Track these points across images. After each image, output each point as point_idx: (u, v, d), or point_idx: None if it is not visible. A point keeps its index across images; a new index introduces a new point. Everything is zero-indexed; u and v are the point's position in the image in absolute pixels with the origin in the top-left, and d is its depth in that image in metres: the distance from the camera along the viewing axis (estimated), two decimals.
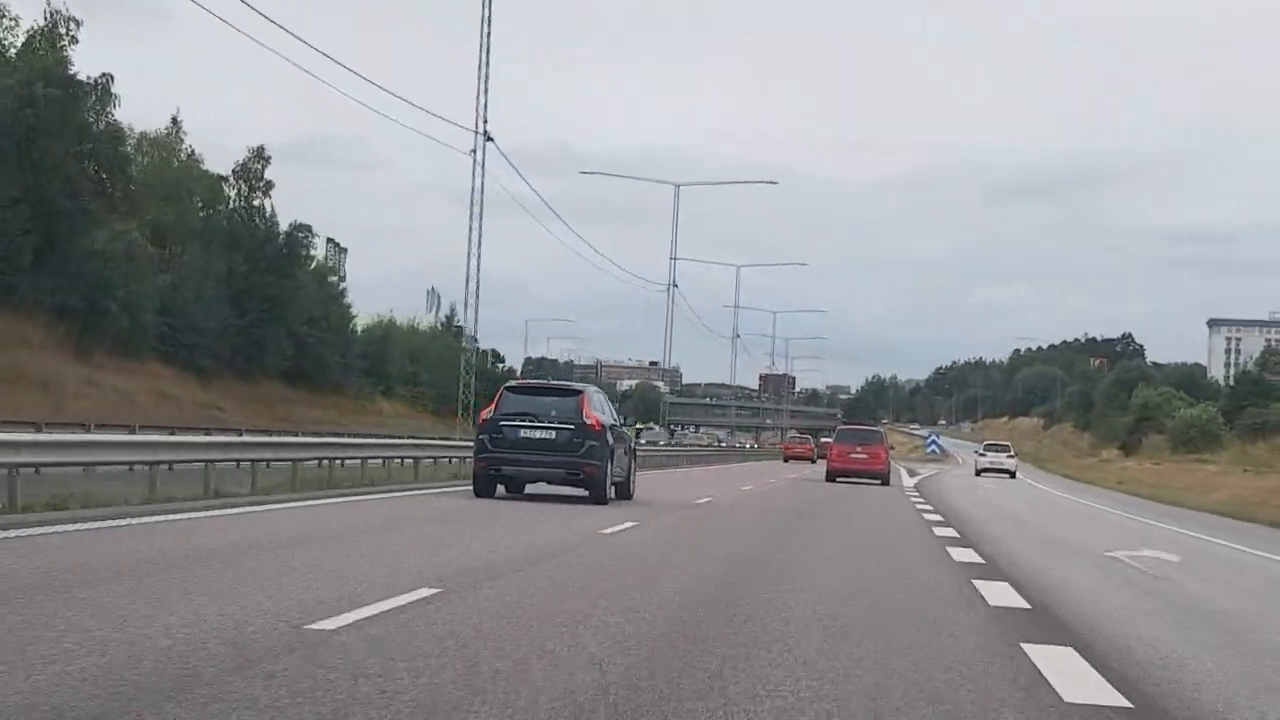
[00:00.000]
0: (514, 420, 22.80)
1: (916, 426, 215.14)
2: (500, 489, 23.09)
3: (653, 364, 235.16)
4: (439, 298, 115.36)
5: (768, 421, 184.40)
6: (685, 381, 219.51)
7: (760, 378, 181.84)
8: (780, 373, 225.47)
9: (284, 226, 73.10)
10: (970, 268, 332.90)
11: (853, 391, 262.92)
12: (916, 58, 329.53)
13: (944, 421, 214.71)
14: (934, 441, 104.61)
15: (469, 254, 54.97)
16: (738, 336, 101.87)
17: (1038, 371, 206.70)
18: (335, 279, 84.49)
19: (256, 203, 71.94)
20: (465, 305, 57.48)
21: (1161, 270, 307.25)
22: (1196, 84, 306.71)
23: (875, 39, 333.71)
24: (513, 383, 25.51)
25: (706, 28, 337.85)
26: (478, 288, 55.91)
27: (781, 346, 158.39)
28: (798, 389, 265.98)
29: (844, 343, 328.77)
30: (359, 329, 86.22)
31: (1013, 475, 65.62)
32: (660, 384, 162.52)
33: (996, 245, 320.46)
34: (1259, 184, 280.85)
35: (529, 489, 23.95)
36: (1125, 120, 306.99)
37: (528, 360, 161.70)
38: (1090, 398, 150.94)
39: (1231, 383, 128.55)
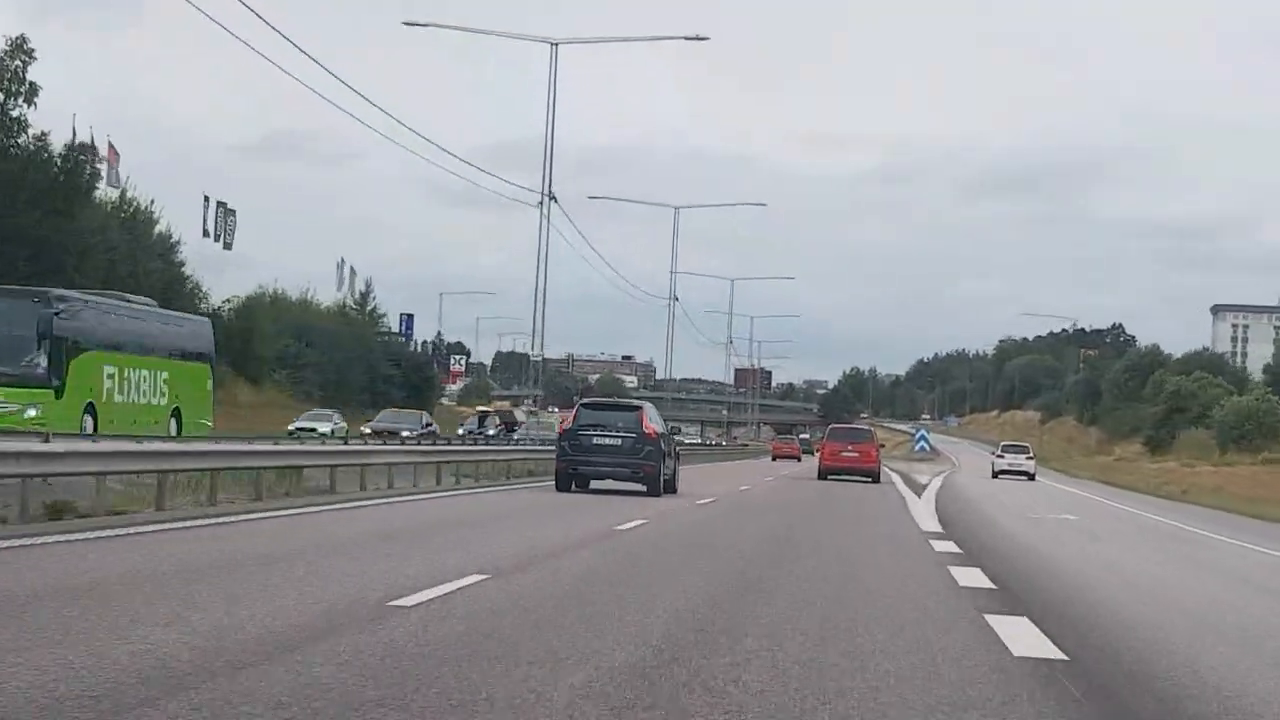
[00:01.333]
0: (588, 430, 29.57)
1: (896, 422, 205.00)
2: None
3: (625, 359, 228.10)
4: (352, 271, 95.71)
5: (736, 417, 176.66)
6: (659, 377, 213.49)
7: (735, 373, 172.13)
8: (756, 367, 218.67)
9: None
10: (948, 262, 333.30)
11: (830, 386, 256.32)
12: (895, 52, 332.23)
13: (928, 416, 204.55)
14: (923, 438, 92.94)
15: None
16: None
17: (1031, 361, 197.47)
18: (161, 231, 65.69)
19: (16, 112, 52.70)
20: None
21: (1144, 263, 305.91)
22: (1176, 78, 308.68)
23: (850, 33, 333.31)
24: (587, 400, 35.28)
25: (682, 22, 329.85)
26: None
27: (755, 345, 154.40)
28: (774, 384, 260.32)
29: (821, 337, 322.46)
30: (216, 300, 70.54)
31: (1031, 477, 64.66)
32: (630, 378, 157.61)
33: (974, 239, 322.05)
34: (1238, 178, 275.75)
35: (594, 485, 30.08)
36: (1102, 113, 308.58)
37: (497, 354, 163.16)
38: (1097, 388, 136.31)
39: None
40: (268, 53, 36.30)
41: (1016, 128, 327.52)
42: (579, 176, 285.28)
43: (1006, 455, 68.52)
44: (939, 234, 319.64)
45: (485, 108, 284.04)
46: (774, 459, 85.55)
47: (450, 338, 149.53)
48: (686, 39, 55.43)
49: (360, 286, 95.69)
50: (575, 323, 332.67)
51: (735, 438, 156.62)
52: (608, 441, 29.42)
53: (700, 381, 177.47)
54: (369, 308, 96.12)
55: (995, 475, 65.01)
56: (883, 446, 55.82)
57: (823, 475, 44.92)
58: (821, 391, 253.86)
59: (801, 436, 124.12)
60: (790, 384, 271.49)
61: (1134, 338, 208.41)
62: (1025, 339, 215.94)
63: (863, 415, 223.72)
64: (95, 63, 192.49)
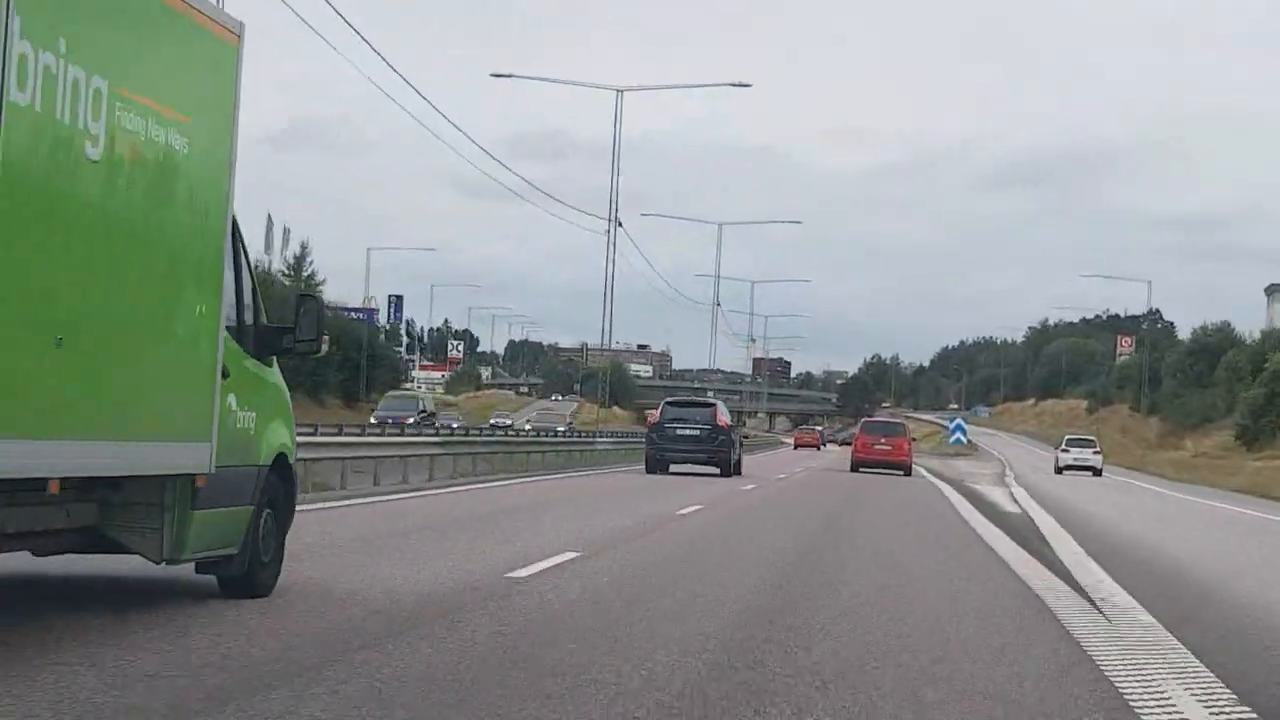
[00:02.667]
0: (672, 423, 37.19)
1: (921, 413, 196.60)
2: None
3: (641, 348, 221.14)
4: (285, 232, 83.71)
5: (752, 407, 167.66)
6: (676, 367, 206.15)
7: (754, 362, 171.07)
8: (774, 357, 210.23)
9: None
10: (967, 253, 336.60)
11: (849, 375, 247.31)
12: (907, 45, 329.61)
13: (955, 405, 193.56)
14: (960, 429, 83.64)
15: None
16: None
17: (1073, 344, 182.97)
18: None
19: None
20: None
21: (1161, 254, 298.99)
22: (1191, 70, 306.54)
23: (870, 28, 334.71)
24: (670, 399, 41.59)
25: (697, 14, 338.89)
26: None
27: (761, 324, 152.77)
28: (793, 374, 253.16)
29: (841, 329, 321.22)
30: None
31: (1098, 473, 63.55)
32: (646, 367, 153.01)
33: (992, 231, 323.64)
34: (1256, 169, 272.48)
35: (674, 469, 37.19)
36: (1118, 107, 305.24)
37: (510, 343, 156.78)
38: (1155, 373, 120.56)
39: None
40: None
41: (1032, 122, 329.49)
42: (594, 167, 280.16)
43: (1072, 449, 67.01)
44: (958, 226, 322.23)
45: (499, 97, 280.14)
46: (795, 448, 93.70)
47: (459, 325, 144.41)
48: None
49: (294, 249, 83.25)
50: (588, 311, 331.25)
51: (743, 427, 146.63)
52: (689, 432, 37.16)
53: (718, 371, 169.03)
54: (305, 274, 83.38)
55: (1059, 471, 63.81)
56: (914, 440, 57.93)
57: (855, 468, 47.57)
58: (840, 381, 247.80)
59: (816, 429, 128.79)
60: (808, 373, 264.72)
61: (1172, 323, 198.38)
62: (1055, 323, 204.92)
63: (885, 405, 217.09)
64: None
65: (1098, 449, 67.31)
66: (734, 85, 64.48)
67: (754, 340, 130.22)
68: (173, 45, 8.24)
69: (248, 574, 9.61)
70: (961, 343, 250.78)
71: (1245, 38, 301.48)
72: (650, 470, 36.77)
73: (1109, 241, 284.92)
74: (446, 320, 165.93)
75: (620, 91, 62.72)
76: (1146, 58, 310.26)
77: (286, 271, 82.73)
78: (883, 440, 48.30)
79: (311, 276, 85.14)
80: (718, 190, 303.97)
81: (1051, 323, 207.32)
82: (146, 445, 8.14)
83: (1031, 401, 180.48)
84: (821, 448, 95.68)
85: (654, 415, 40.18)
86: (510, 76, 64.55)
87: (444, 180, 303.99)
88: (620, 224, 64.80)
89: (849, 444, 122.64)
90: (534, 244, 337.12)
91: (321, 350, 9.79)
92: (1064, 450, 67.65)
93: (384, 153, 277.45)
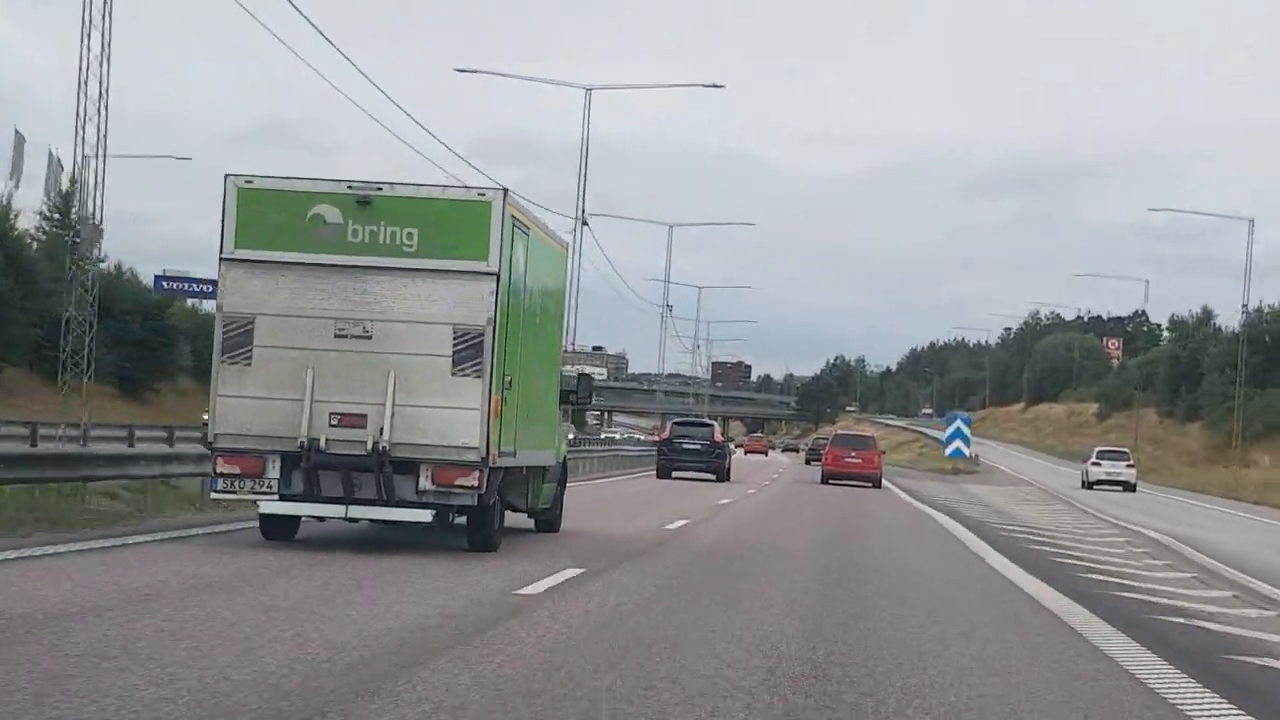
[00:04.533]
0: (679, 439, 51.82)
1: (890, 418, 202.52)
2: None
3: (596, 349, 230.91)
4: (54, 163, 58.57)
5: (711, 410, 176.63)
6: (632, 370, 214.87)
7: (712, 365, 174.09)
8: (733, 361, 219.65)
9: None
10: (940, 260, 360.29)
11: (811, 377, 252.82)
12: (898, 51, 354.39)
13: (928, 411, 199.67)
14: (959, 436, 73.96)
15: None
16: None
17: (1069, 340, 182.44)
18: None
19: None
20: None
21: (1139, 263, 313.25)
22: (1174, 80, 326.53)
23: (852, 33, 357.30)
24: (677, 419, 61.51)
25: (674, 16, 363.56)
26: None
27: (706, 329, 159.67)
28: (753, 377, 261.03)
29: (807, 333, 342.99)
30: None
31: (1131, 488, 66.01)
32: (600, 370, 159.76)
33: (970, 237, 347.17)
34: (1235, 180, 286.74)
35: (676, 474, 50.48)
36: (1099, 115, 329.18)
37: None
38: (1193, 370, 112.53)
39: None
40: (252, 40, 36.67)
41: (1013, 129, 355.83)
42: (566, 169, 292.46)
43: (1104, 462, 69.00)
44: (932, 233, 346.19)
45: (463, 99, 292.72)
46: (746, 453, 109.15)
47: None
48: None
49: (63, 184, 61.68)
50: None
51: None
52: (692, 447, 51.22)
53: (676, 376, 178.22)
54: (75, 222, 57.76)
55: (1090, 486, 66.19)
56: (883, 454, 62.00)
57: (825, 480, 54.24)
58: (799, 386, 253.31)
59: (763, 437, 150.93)
60: (767, 375, 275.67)
61: (1159, 325, 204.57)
62: (1048, 317, 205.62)
63: (849, 409, 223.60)
64: None
65: (1131, 462, 68.87)
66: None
67: (699, 345, 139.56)
68: (559, 263, 19.32)
69: (552, 519, 20.48)
70: (932, 344, 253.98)
71: (1226, 46, 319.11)
72: (660, 476, 50.19)
73: (1086, 250, 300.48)
74: None
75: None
76: (1133, 65, 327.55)
77: (49, 215, 71.70)
78: (853, 453, 55.21)
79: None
80: (688, 193, 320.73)
81: (1043, 315, 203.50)
82: (539, 452, 18.69)
83: (1020, 406, 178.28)
84: (768, 454, 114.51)
85: (664, 432, 56.22)
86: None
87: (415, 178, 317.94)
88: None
89: (794, 450, 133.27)
90: None
91: (589, 405, 21.66)
92: (1095, 464, 69.01)
93: (352, 153, 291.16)
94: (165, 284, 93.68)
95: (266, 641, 9.62)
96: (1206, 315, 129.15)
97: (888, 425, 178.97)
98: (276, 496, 15.95)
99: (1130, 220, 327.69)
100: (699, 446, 50.80)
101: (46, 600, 11.12)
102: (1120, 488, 65.04)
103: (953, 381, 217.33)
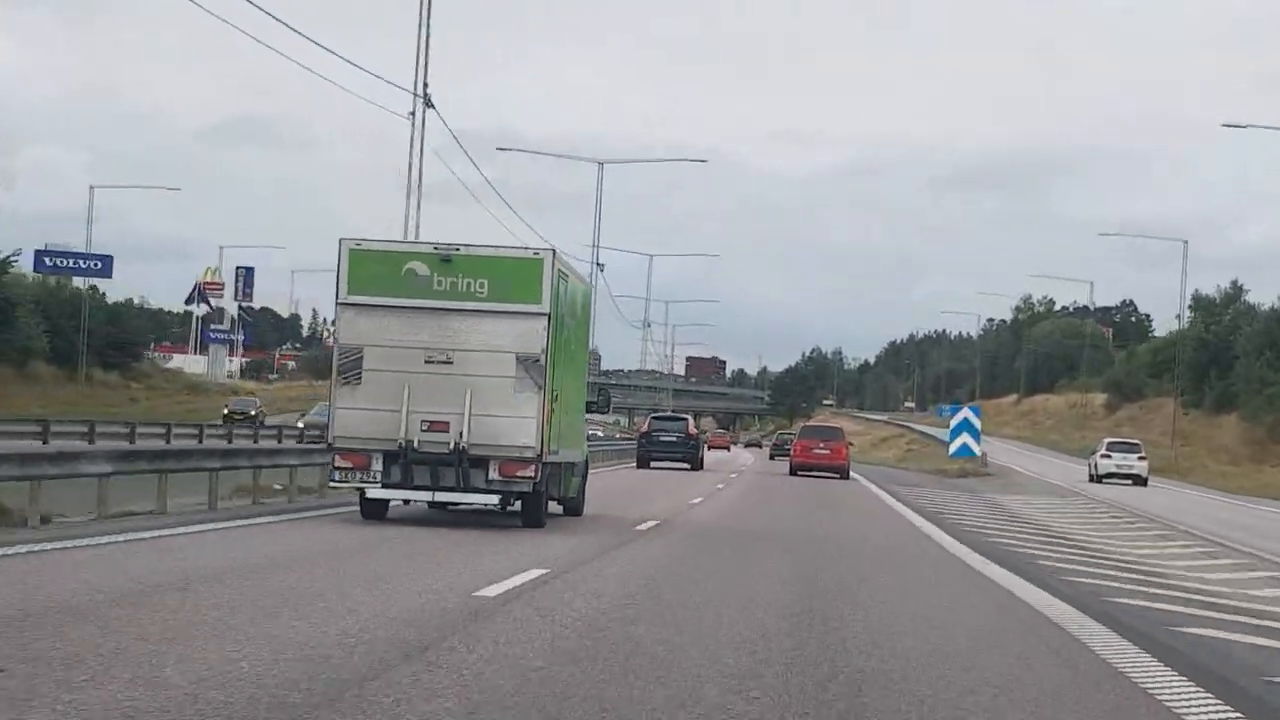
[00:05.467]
0: (657, 432, 60.81)
1: (872, 413, 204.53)
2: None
3: None
4: None
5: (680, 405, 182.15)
6: (604, 368, 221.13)
7: (686, 361, 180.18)
8: (709, 357, 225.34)
9: None
10: (916, 257, 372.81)
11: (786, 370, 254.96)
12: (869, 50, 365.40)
13: (910, 405, 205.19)
14: (966, 429, 67.09)
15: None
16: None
17: (1067, 326, 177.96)
18: None
19: None
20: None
21: (1111, 261, 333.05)
22: (1145, 78, 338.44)
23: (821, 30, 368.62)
24: (655, 415, 70.16)
25: (644, 14, 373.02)
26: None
27: (669, 332, 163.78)
28: (728, 373, 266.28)
29: (787, 332, 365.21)
30: None
31: (1143, 482, 65.89)
32: None
33: (942, 235, 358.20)
34: (1208, 179, 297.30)
35: (654, 465, 58.89)
36: (1072, 113, 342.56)
37: None
38: (1225, 356, 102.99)
39: None
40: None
41: (986, 126, 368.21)
42: (531, 163, 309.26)
43: (1114, 454, 69.33)
44: (907, 230, 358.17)
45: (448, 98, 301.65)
46: (709, 449, 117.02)
47: None
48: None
49: None
50: None
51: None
52: (668, 439, 60.48)
53: (647, 373, 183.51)
54: None
55: (1100, 479, 66.80)
56: (851, 445, 64.49)
57: (794, 470, 57.74)
58: (772, 378, 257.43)
59: (726, 434, 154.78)
60: (741, 370, 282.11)
61: (1149, 315, 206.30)
62: (1041, 301, 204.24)
63: (826, 403, 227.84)
64: None
65: (1143, 454, 68.73)
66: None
67: (650, 324, 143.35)
68: (585, 299, 26.05)
69: (577, 506, 26.55)
70: (911, 336, 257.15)
71: (1198, 45, 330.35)
72: (640, 466, 58.08)
73: (1059, 247, 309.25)
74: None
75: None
76: (1104, 63, 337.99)
77: None
78: (821, 445, 58.88)
79: None
80: (665, 191, 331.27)
81: (1035, 300, 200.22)
82: (572, 451, 25.00)
83: (1013, 399, 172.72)
84: (729, 449, 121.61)
85: (643, 426, 64.88)
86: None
87: (395, 179, 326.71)
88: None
89: (756, 446, 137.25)
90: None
91: (608, 412, 28.25)
92: (1104, 456, 68.89)
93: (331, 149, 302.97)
94: (47, 261, 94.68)
95: (402, 581, 15.56)
96: (1236, 291, 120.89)
97: (869, 420, 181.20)
98: (379, 485, 22.04)
99: (1108, 217, 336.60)
100: (675, 439, 60.23)
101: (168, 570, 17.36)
102: (1130, 481, 65.45)
103: (937, 373, 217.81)
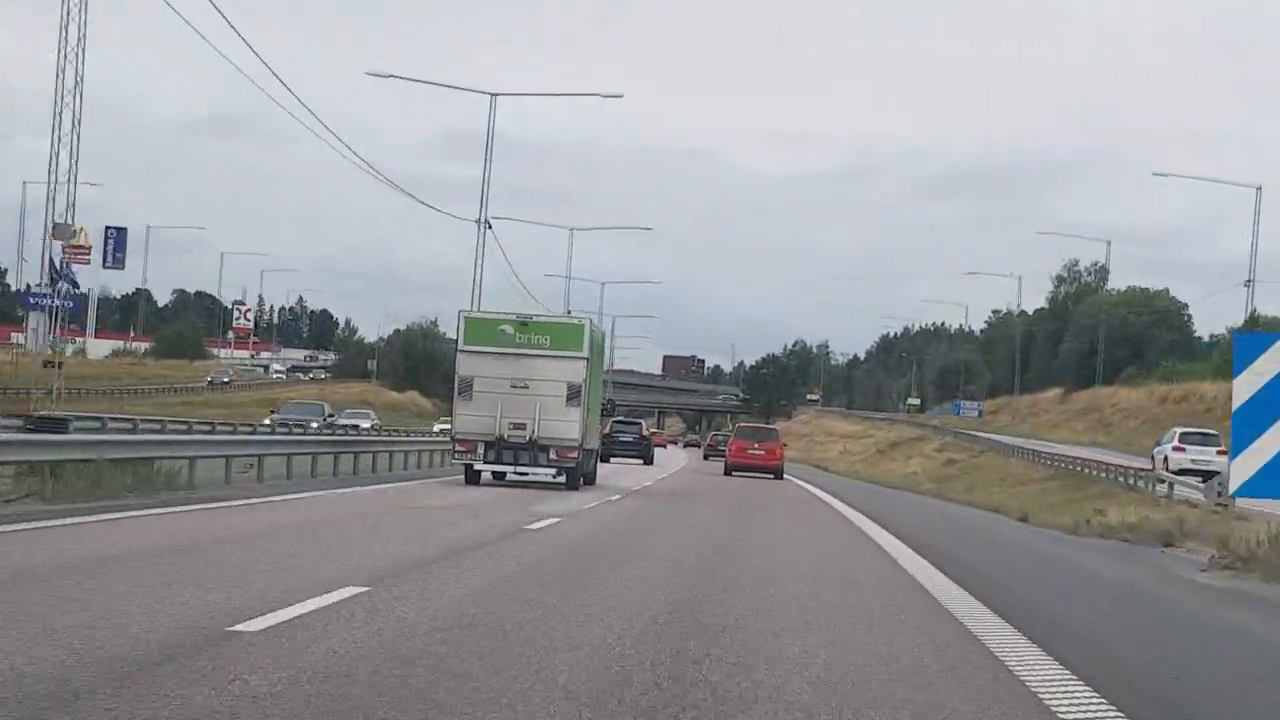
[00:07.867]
0: (616, 433, 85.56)
1: (868, 412, 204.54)
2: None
3: None
4: None
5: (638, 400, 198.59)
6: None
7: (663, 359, 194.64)
8: (687, 354, 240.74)
9: None
10: (904, 260, 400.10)
11: (764, 359, 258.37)
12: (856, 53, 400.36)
13: (915, 401, 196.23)
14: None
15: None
16: (569, 312, 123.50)
17: (1132, 296, 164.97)
18: None
19: None
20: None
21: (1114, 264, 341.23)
22: (1136, 84, 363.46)
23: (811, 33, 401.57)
24: (615, 419, 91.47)
25: (634, 13, 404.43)
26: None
27: (609, 322, 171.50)
28: (706, 370, 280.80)
29: (766, 330, 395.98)
30: None
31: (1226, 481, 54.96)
32: None
33: (930, 238, 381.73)
34: (1196, 186, 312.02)
35: (613, 460, 78.33)
36: (1062, 118, 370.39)
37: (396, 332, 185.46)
38: None
39: None
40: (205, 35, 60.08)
41: (976, 130, 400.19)
42: (525, 170, 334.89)
43: (1189, 447, 65.56)
44: (896, 233, 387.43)
45: (429, 95, 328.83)
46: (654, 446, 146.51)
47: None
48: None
49: None
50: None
51: None
52: (626, 439, 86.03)
53: (629, 372, 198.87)
54: None
55: (1172, 475, 61.13)
56: (785, 446, 72.60)
57: (729, 471, 66.65)
58: (748, 372, 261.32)
59: (664, 433, 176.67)
60: (717, 366, 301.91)
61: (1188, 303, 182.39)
62: (1090, 269, 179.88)
63: (811, 397, 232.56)
64: None
65: (1222, 448, 55.29)
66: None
67: (570, 311, 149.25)
68: (603, 342, 48.46)
69: (591, 478, 46.16)
70: (906, 330, 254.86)
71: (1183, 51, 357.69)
72: (602, 461, 73.76)
73: (1049, 252, 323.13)
74: (301, 298, 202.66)
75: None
76: (1094, 68, 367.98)
77: None
78: (756, 445, 67.36)
79: None
80: (652, 191, 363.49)
81: (1083, 269, 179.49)
82: (594, 441, 45.50)
83: (1056, 393, 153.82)
84: (667, 447, 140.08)
85: (605, 428, 76.84)
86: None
87: (361, 179, 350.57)
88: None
89: (695, 446, 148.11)
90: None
91: (613, 415, 49.74)
92: (1177, 449, 65.76)
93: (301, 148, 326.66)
94: None
95: (488, 516, 34.88)
96: None
97: (869, 420, 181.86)
98: (482, 461, 41.67)
99: (1095, 221, 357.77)
100: (631, 439, 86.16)
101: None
102: (1202, 479, 57.04)
103: (943, 367, 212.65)
